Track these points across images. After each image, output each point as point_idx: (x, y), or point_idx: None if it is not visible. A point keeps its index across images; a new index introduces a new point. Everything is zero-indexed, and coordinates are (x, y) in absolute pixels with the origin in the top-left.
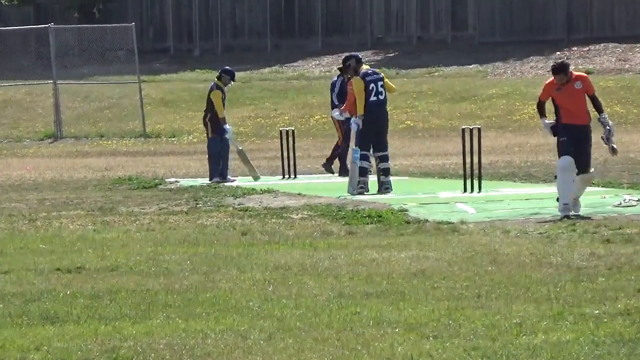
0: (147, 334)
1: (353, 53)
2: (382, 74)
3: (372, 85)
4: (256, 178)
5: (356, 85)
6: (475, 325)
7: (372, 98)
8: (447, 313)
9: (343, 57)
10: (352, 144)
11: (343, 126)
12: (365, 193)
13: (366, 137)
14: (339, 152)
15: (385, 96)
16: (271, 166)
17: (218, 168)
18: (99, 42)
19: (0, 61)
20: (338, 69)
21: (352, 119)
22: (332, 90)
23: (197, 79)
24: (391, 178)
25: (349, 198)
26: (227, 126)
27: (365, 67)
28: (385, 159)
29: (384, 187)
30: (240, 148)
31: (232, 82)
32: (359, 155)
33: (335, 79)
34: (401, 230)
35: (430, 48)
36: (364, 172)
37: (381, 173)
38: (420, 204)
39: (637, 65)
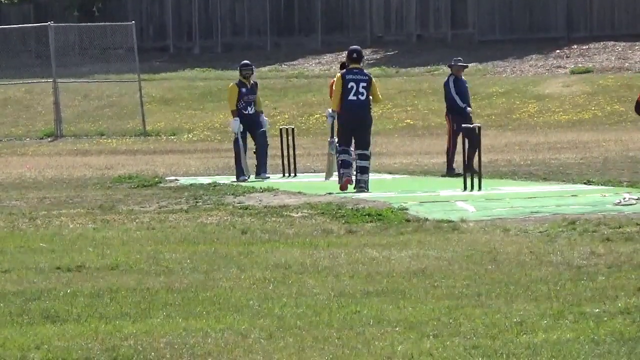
0: (148, 332)
1: (354, 47)
2: (369, 76)
3: (351, 84)
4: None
5: (336, 82)
6: (476, 324)
7: (352, 97)
8: (447, 312)
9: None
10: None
11: (452, 126)
12: (351, 183)
13: (344, 134)
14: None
15: (367, 97)
16: (271, 164)
17: (245, 167)
18: (99, 40)
19: (0, 60)
20: (449, 66)
21: (327, 112)
22: (448, 91)
23: (197, 77)
24: (391, 176)
25: (349, 197)
26: (234, 119)
27: (353, 65)
28: (363, 157)
29: (359, 185)
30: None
31: (249, 72)
32: (334, 147)
33: (447, 79)
34: (401, 228)
35: (430, 46)
36: (347, 164)
37: (358, 171)
38: (421, 203)
39: (637, 64)
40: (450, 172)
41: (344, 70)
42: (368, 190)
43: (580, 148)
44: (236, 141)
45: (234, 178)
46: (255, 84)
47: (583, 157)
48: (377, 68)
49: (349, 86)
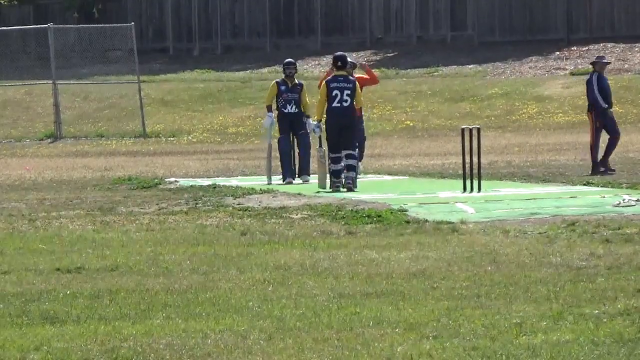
0: (147, 334)
1: (338, 54)
2: (353, 83)
3: (335, 92)
4: (269, 181)
5: (321, 90)
6: (475, 325)
7: (335, 104)
8: (447, 313)
9: (336, 56)
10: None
11: (595, 123)
12: (341, 190)
13: (332, 139)
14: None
15: (350, 104)
16: (272, 166)
17: (290, 168)
18: (99, 42)
19: (0, 61)
20: (591, 64)
21: (313, 124)
22: (591, 89)
23: (196, 79)
24: (390, 177)
25: (348, 198)
26: (268, 113)
27: (338, 72)
28: (350, 157)
29: (346, 182)
30: (270, 143)
31: (292, 70)
32: (322, 154)
33: (589, 76)
34: (401, 230)
35: (430, 48)
36: (337, 174)
37: (345, 169)
38: (420, 204)
39: (636, 65)
40: (595, 170)
41: (330, 77)
42: (355, 188)
43: (580, 149)
44: (280, 141)
45: (233, 180)
46: (300, 84)
47: (582, 158)
48: (376, 69)
49: (334, 94)
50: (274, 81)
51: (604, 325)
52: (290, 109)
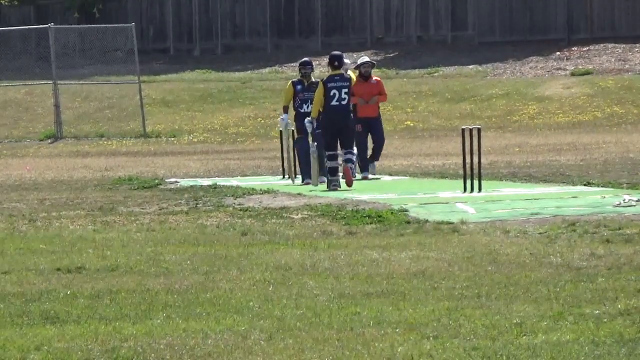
0: (147, 334)
1: (335, 54)
2: (349, 81)
3: (333, 91)
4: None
5: (317, 90)
6: (475, 325)
7: (334, 102)
8: (447, 313)
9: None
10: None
11: None
12: (339, 189)
13: (329, 137)
14: None
15: (348, 102)
16: (271, 166)
17: (309, 170)
18: (99, 42)
19: (1, 61)
20: None
21: (306, 119)
22: None
23: (197, 79)
24: (391, 177)
25: (349, 198)
26: (282, 116)
27: (335, 72)
28: (349, 154)
29: (344, 168)
30: (287, 145)
31: (308, 70)
32: (315, 150)
33: None
34: (401, 230)
35: (430, 48)
36: (333, 171)
37: (343, 161)
38: (420, 204)
39: (637, 66)
40: None
41: (327, 77)
42: (355, 168)
43: (580, 150)
44: (297, 141)
45: (234, 180)
46: (316, 83)
47: (583, 158)
48: (377, 69)
49: (332, 93)
50: (290, 81)
51: (605, 325)
52: (307, 108)
